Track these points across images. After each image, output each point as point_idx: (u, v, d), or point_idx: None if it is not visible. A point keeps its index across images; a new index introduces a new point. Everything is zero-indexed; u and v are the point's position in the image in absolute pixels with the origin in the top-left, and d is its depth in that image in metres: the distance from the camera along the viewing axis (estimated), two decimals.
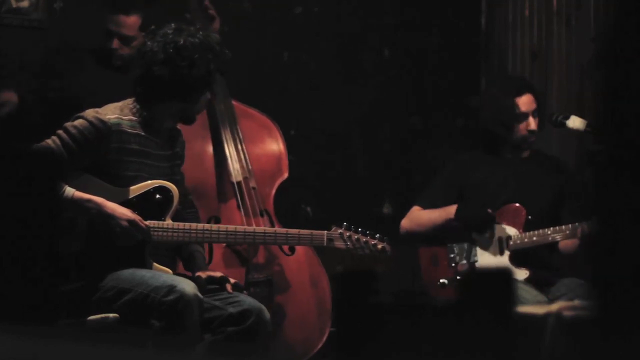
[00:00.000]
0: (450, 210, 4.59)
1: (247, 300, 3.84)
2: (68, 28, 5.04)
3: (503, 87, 4.70)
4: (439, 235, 4.65)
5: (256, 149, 4.94)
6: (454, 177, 4.73)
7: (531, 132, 4.62)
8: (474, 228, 4.59)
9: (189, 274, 3.95)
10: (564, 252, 4.63)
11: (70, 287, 3.71)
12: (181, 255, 4.03)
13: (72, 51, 4.81)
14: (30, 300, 2.89)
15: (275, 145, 5.02)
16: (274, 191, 4.93)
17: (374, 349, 1.75)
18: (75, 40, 4.92)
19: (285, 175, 4.99)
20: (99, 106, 3.88)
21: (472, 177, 4.70)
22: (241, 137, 4.88)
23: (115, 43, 4.65)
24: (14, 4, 5.01)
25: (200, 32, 3.86)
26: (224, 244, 4.66)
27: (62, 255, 3.70)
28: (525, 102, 4.61)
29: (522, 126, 4.62)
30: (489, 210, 4.55)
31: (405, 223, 4.74)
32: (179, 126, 4.05)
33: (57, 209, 3.55)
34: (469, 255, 4.60)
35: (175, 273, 3.92)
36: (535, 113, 4.62)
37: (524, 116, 4.61)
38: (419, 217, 4.71)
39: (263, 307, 3.84)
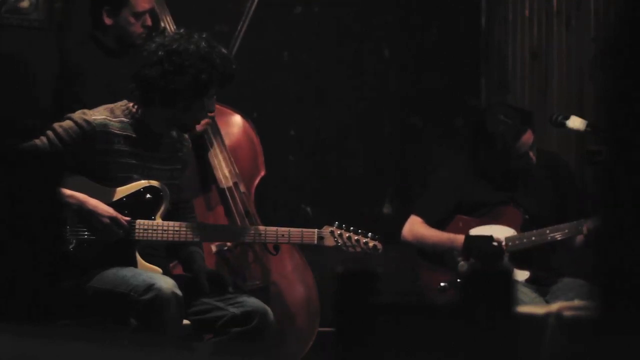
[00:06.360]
0: (457, 240, 4.49)
1: (251, 301, 3.81)
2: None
3: (504, 134, 4.46)
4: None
5: (232, 149, 4.83)
6: (451, 185, 4.63)
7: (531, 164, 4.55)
8: (482, 261, 4.46)
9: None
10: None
11: (61, 287, 3.69)
12: (180, 256, 4.00)
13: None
14: (29, 300, 2.89)
15: (250, 143, 4.91)
16: (253, 190, 4.87)
17: (374, 349, 1.75)
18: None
19: (263, 172, 4.91)
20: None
21: (468, 183, 4.62)
22: (224, 140, 4.80)
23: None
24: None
25: (205, 42, 3.76)
26: (215, 253, 4.64)
27: (54, 255, 3.68)
28: (524, 142, 4.48)
29: (522, 161, 4.53)
30: (497, 244, 4.44)
31: (408, 235, 4.64)
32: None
33: (50, 207, 3.54)
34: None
35: (172, 274, 3.90)
36: (533, 145, 4.51)
37: (524, 154, 4.51)
38: (422, 235, 4.61)
39: (267, 308, 3.82)
